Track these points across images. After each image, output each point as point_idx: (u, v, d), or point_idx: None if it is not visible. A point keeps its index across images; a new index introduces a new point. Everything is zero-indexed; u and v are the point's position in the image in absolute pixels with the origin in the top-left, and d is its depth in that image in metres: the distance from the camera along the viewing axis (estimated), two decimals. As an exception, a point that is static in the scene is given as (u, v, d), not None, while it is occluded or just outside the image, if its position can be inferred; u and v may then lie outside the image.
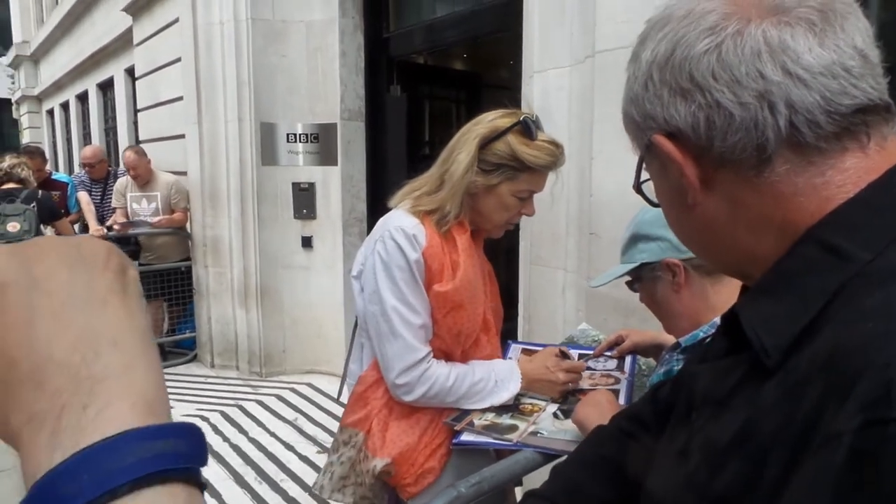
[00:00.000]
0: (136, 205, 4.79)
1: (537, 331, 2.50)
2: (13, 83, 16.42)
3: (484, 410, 1.33)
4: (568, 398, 1.38)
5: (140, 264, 4.73)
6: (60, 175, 6.31)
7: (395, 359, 1.29)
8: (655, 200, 0.65)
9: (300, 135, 4.37)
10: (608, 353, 1.50)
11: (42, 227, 4.04)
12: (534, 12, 2.36)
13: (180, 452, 0.29)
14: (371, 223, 4.52)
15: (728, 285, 1.13)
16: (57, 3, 12.13)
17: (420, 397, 1.30)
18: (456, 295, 1.30)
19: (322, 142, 4.36)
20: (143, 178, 4.76)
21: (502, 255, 3.70)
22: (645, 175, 0.65)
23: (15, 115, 17.09)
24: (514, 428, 1.27)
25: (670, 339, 1.47)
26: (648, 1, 2.01)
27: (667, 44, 0.53)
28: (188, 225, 4.82)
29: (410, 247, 1.27)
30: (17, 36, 15.61)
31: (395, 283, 1.27)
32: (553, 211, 2.25)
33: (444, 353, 1.35)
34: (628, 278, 1.19)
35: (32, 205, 3.93)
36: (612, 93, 2.03)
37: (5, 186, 4.00)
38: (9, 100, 17.41)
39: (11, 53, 15.65)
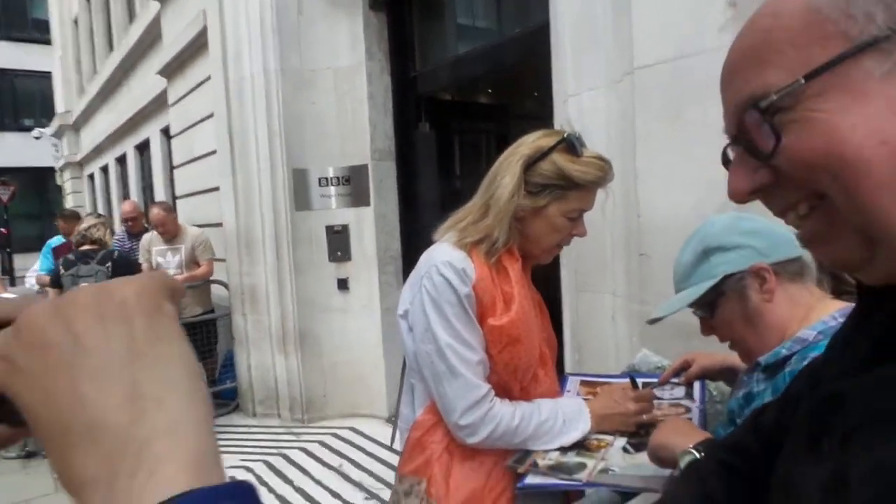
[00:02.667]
0: (161, 258, 4.84)
1: (588, 360, 2.38)
2: (57, 151, 17.15)
3: (547, 450, 1.24)
4: (637, 431, 1.27)
5: None
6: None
7: (456, 398, 1.21)
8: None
9: (332, 178, 4.40)
10: (674, 381, 1.40)
11: None
12: (565, 36, 2.33)
13: None
14: (406, 261, 4.49)
15: (808, 291, 1.04)
16: (96, 72, 12.72)
17: (485, 439, 1.21)
18: (513, 329, 1.22)
19: (353, 183, 4.37)
20: (171, 234, 4.83)
21: (539, 283, 3.60)
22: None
23: (59, 182, 17.80)
24: (582, 466, 1.17)
25: (741, 360, 1.36)
26: (688, 14, 1.95)
27: None
28: (226, 275, 4.85)
29: (460, 281, 1.20)
30: (59, 106, 16.39)
31: (447, 320, 1.20)
32: (598, 234, 2.17)
33: (503, 390, 1.27)
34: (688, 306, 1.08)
35: (107, 265, 4.03)
36: (655, 109, 1.97)
37: (83, 248, 4.16)
38: (53, 168, 18.17)
39: (55, 124, 16.40)
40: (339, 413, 4.50)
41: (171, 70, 6.50)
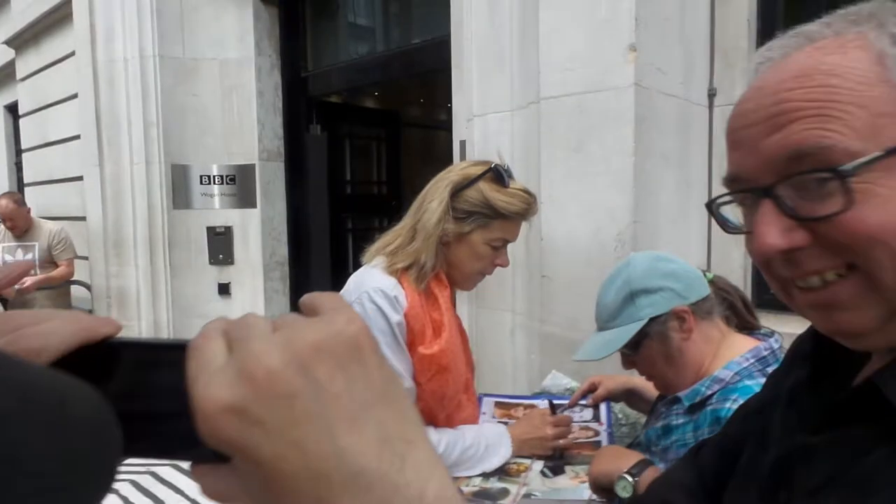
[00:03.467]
0: (10, 256, 4.29)
1: (486, 375, 2.45)
2: None
3: (470, 476, 1.27)
4: (553, 454, 1.34)
5: None
6: None
7: None
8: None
9: (215, 176, 4.17)
10: (582, 402, 1.48)
11: None
12: (472, 58, 2.38)
13: None
14: (293, 267, 4.36)
15: (717, 328, 1.14)
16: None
17: None
18: (442, 357, 1.24)
19: (239, 183, 4.17)
20: (21, 229, 4.31)
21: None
22: None
23: None
24: (505, 492, 1.21)
25: (642, 383, 1.47)
26: (593, 49, 2.06)
27: None
28: (88, 276, 4.43)
29: (392, 309, 1.20)
30: None
31: None
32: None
33: (428, 417, 1.28)
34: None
35: None
36: (560, 138, 2.07)
37: None
38: None
39: None
40: (217, 424, 4.28)
41: (23, 41, 5.81)
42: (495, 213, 1.26)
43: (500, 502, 1.18)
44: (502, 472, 1.29)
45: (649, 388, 1.43)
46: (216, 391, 0.28)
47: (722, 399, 1.02)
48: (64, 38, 4.88)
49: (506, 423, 1.49)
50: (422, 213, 1.27)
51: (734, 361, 1.06)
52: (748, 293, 2.21)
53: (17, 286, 4.16)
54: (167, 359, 0.30)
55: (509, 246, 1.36)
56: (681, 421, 1.08)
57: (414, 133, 5.36)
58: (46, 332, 0.30)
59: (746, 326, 1.20)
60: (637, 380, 1.50)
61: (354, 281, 1.28)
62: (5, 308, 4.22)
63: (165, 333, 4.17)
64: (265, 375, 0.27)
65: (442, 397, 1.27)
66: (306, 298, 0.33)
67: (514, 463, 1.32)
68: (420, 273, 1.25)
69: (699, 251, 2.15)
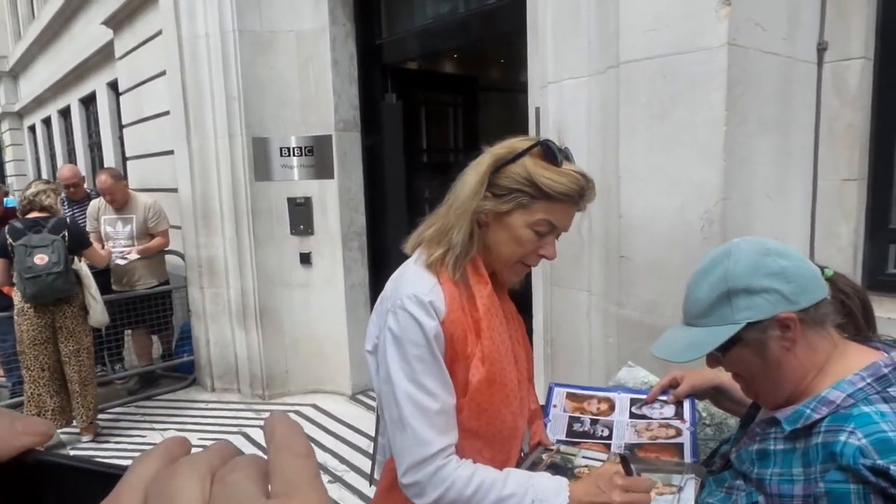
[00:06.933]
0: (110, 228, 4.58)
1: (561, 354, 2.36)
2: (-7, 99, 16.10)
3: None
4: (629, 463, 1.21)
5: (114, 292, 4.50)
6: (11, 201, 5.94)
7: (402, 452, 1.09)
8: None
9: (294, 148, 4.22)
10: (662, 398, 1.37)
11: (76, 257, 3.78)
12: (546, 20, 2.22)
13: None
14: (370, 237, 4.38)
15: (828, 337, 0.97)
16: (34, 16, 11.87)
17: (434, 502, 1.07)
18: (489, 370, 1.10)
19: (317, 154, 4.21)
20: (120, 202, 4.56)
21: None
22: None
23: (-4, 132, 16.77)
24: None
25: (731, 381, 1.33)
26: (680, 9, 1.86)
27: None
28: (181, 244, 4.66)
29: (426, 315, 1.08)
30: (-6, 51, 15.30)
31: (407, 362, 1.08)
32: (574, 230, 2.11)
33: (471, 440, 1.13)
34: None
35: (62, 234, 3.67)
36: (641, 106, 1.90)
37: (31, 215, 3.74)
38: (-11, 116, 17.08)
39: (-11, 69, 15.34)
40: (302, 389, 4.44)
41: (119, 21, 6.08)
42: (539, 192, 1.11)
43: None
44: (570, 472, 1.20)
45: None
46: None
47: (835, 430, 0.86)
48: (154, 16, 5.05)
49: (578, 419, 1.40)
50: (458, 186, 1.16)
51: (846, 380, 0.90)
52: (859, 275, 1.97)
53: (120, 258, 4.44)
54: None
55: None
56: (780, 447, 0.93)
57: (494, 97, 5.19)
58: None
59: (860, 334, 1.03)
60: (725, 376, 1.36)
61: (392, 285, 1.17)
62: (109, 276, 4.52)
63: (252, 301, 4.33)
64: None
65: (484, 412, 1.13)
66: (274, 434, 0.26)
67: (586, 466, 1.22)
68: (453, 257, 1.13)
69: (801, 227, 1.93)
